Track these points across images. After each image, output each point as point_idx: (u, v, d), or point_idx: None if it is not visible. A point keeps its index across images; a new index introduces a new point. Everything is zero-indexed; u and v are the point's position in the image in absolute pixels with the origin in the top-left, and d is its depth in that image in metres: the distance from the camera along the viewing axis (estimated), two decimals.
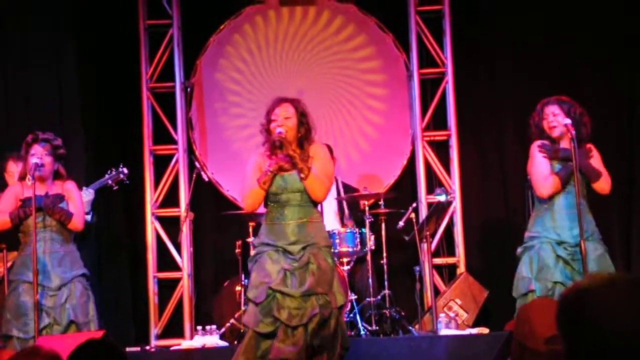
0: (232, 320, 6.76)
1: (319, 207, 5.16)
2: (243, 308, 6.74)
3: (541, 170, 5.38)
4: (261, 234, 5.00)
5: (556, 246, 5.31)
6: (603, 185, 5.41)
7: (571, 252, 5.28)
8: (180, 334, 7.41)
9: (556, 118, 5.41)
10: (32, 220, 5.28)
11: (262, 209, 5.16)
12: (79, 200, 5.62)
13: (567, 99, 5.48)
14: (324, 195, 5.04)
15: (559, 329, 1.86)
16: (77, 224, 5.52)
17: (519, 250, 5.49)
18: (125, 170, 6.57)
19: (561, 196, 5.38)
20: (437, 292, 7.16)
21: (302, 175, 4.87)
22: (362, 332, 6.36)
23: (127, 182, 6.72)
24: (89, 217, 6.00)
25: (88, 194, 6.14)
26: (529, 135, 5.54)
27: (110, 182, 6.46)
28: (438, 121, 7.89)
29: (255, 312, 4.78)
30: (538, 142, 5.46)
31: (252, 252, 5.04)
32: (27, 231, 5.40)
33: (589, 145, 5.46)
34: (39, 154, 5.45)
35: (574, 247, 5.27)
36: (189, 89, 7.95)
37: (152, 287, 7.64)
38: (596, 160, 5.47)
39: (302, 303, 4.74)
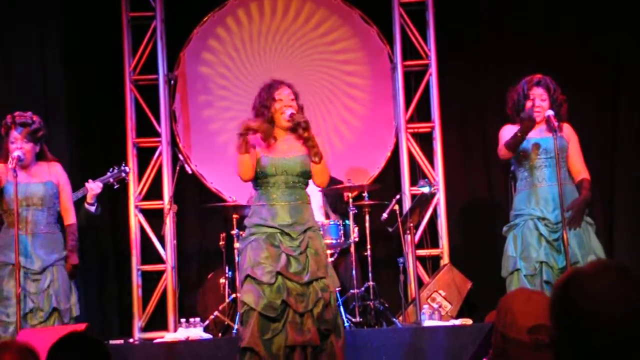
0: (216, 313, 6.75)
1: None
2: (227, 300, 6.74)
3: (501, 143, 5.57)
4: (254, 215, 4.92)
5: (538, 223, 5.35)
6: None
7: (553, 229, 5.33)
8: (164, 327, 7.40)
9: (542, 104, 5.45)
10: (15, 208, 5.25)
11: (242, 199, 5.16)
12: (69, 190, 5.62)
13: (552, 81, 5.52)
14: (328, 181, 5.08)
15: (552, 317, 1.86)
16: (74, 220, 5.57)
17: (505, 229, 5.56)
18: (127, 169, 6.46)
19: (543, 170, 5.44)
20: (420, 284, 7.17)
21: (317, 159, 4.86)
22: (346, 324, 6.36)
23: (128, 180, 6.70)
24: (93, 209, 5.96)
25: (96, 187, 6.06)
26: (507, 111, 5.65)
27: (111, 180, 6.35)
28: (422, 113, 7.90)
29: (258, 292, 4.72)
30: (506, 126, 5.56)
31: (246, 232, 4.96)
32: (11, 213, 5.37)
33: (565, 125, 5.54)
34: (18, 143, 5.41)
35: (555, 224, 5.32)
36: (172, 81, 7.92)
37: (136, 280, 7.62)
38: (574, 143, 5.55)
39: (305, 289, 4.76)
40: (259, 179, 4.94)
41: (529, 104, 5.50)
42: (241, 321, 4.79)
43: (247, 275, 4.77)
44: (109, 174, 6.29)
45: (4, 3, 7.36)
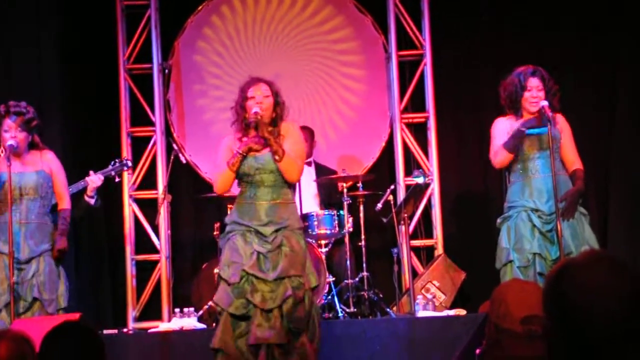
0: (210, 303, 6.74)
1: (294, 189, 5.16)
2: None
3: (495, 143, 5.51)
4: (233, 212, 5.00)
5: (532, 214, 5.36)
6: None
7: (546, 220, 5.33)
8: (158, 317, 7.40)
9: (539, 94, 5.45)
10: (9, 198, 5.25)
11: (235, 189, 5.18)
12: (63, 176, 5.61)
13: (546, 72, 5.53)
14: (298, 176, 5.07)
15: (544, 308, 1.86)
16: (69, 207, 5.55)
17: (499, 221, 5.55)
18: (129, 163, 6.43)
19: (536, 161, 5.44)
20: (415, 274, 7.18)
21: (277, 157, 4.86)
22: (340, 314, 6.37)
23: (130, 174, 6.62)
24: (92, 201, 5.93)
25: (97, 180, 6.01)
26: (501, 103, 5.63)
27: (113, 173, 6.30)
28: (416, 103, 7.89)
29: (227, 292, 4.77)
30: (499, 120, 5.55)
31: (225, 230, 5.02)
32: (4, 202, 5.36)
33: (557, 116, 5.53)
34: (12, 131, 5.41)
35: (549, 215, 5.32)
36: (166, 71, 7.90)
37: (130, 270, 7.62)
38: (567, 133, 5.54)
39: (275, 286, 4.76)
40: (240, 178, 4.97)
41: (526, 94, 5.50)
42: (216, 320, 4.86)
43: (219, 275, 4.85)
44: (110, 167, 6.24)
45: (4, 3, 7.34)
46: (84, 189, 5.95)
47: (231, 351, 4.70)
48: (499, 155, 5.49)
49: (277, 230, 4.86)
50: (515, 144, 5.40)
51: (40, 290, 5.34)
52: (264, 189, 4.92)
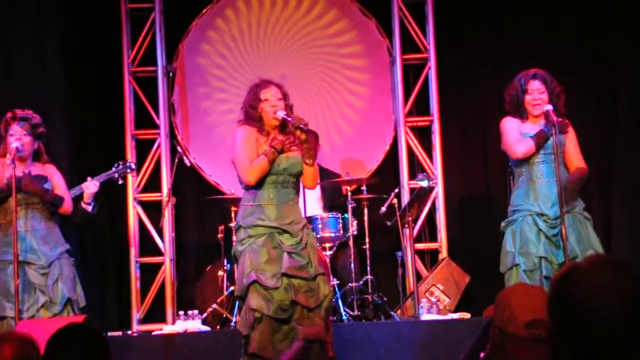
0: (214, 305, 6.76)
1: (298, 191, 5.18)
2: (226, 293, 6.75)
3: (513, 135, 5.48)
4: (249, 215, 4.91)
5: (537, 218, 5.35)
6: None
7: (551, 224, 5.33)
8: (162, 319, 7.40)
9: (541, 97, 5.45)
10: (13, 201, 5.28)
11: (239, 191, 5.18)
12: (63, 183, 5.65)
13: (548, 74, 5.52)
14: (317, 181, 5.10)
15: (549, 311, 1.86)
16: (67, 207, 5.61)
17: (503, 224, 5.55)
18: (133, 166, 6.39)
19: (541, 165, 5.43)
20: (419, 278, 7.18)
21: (309, 162, 4.87)
22: (344, 317, 6.38)
23: (134, 177, 6.62)
24: (89, 208, 5.90)
25: (93, 186, 5.97)
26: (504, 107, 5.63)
27: (116, 175, 6.26)
28: (420, 107, 7.90)
29: (266, 296, 4.73)
30: (507, 118, 5.53)
31: (242, 233, 4.92)
32: (9, 210, 5.39)
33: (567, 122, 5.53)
34: (17, 134, 5.45)
35: (554, 220, 5.32)
36: (171, 74, 7.91)
37: (134, 272, 7.62)
38: (571, 138, 5.53)
39: (312, 284, 4.80)
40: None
41: (527, 97, 5.50)
42: (252, 327, 4.75)
43: (254, 281, 4.75)
44: (114, 169, 6.21)
45: (4, 3, 7.35)
46: (80, 196, 5.91)
47: (268, 355, 4.68)
48: (524, 146, 5.43)
49: (301, 230, 4.90)
50: (541, 143, 5.40)
51: (69, 291, 5.40)
52: (283, 189, 4.92)
